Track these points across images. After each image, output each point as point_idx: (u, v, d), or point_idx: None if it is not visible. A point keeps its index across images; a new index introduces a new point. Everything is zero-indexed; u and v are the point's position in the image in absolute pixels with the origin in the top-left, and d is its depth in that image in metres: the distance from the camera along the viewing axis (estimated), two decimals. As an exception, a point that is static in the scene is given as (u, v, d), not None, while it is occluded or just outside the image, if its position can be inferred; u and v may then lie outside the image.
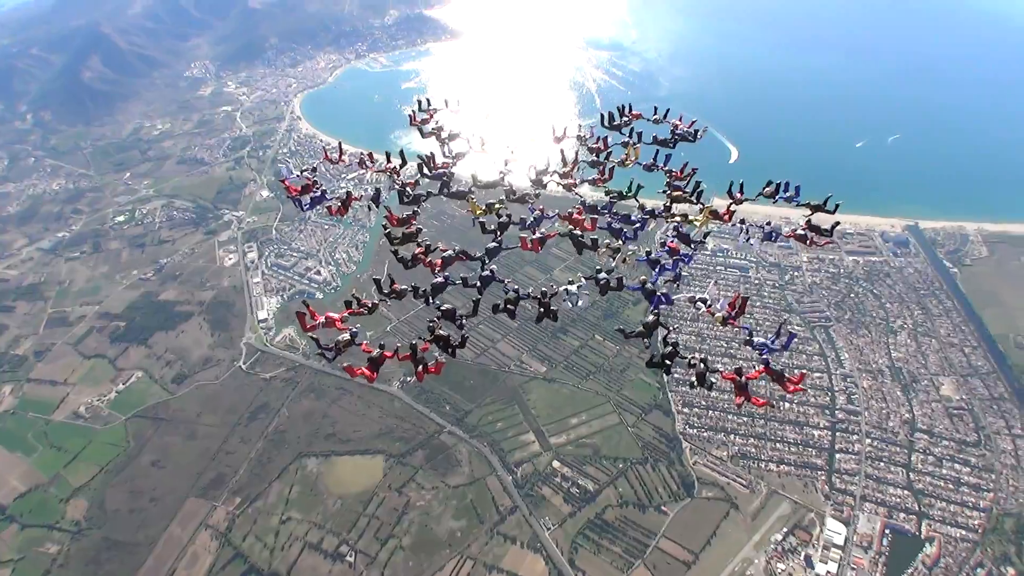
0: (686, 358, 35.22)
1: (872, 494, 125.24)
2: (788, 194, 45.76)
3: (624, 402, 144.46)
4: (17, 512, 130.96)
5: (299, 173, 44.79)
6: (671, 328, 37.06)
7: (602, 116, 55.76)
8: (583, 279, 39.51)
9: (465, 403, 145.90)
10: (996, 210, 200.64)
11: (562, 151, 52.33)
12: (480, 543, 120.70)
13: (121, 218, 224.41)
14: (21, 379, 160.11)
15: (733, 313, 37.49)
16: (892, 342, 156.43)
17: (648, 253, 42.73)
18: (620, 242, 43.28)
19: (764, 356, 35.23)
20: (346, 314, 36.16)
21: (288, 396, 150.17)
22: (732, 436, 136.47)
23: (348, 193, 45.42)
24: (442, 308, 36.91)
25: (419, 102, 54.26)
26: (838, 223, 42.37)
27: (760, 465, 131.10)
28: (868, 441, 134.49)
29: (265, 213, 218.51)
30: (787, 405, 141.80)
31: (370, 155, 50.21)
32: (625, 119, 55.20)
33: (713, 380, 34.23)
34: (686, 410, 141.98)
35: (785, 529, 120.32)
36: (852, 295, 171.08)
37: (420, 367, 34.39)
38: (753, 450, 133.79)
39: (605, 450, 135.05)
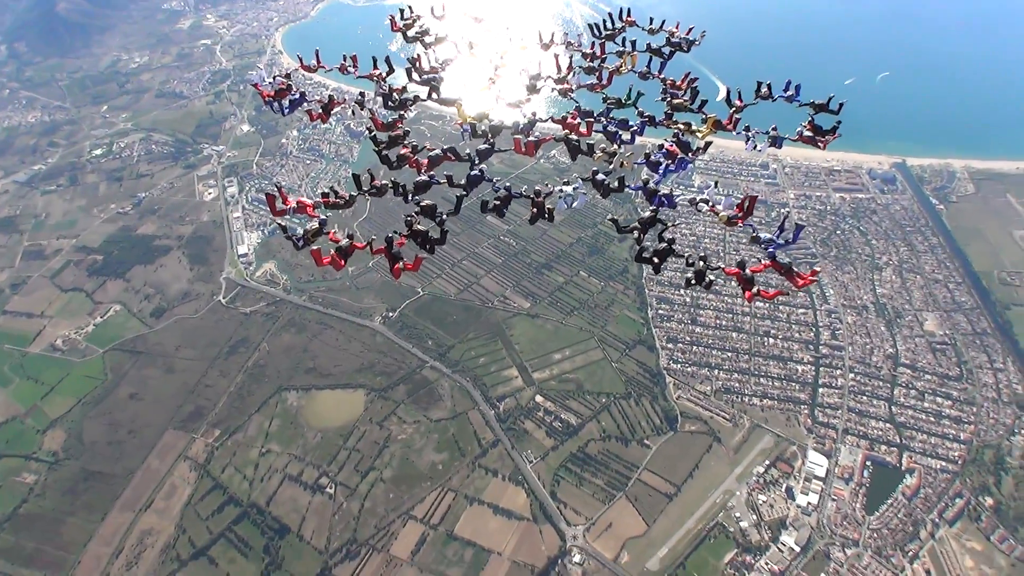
0: (683, 256, 33.01)
1: (854, 427, 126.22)
2: (789, 93, 43.87)
3: (608, 338, 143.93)
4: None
5: (272, 79, 42.05)
6: (669, 224, 34.35)
7: (592, 27, 53.26)
8: (580, 179, 37.00)
9: (448, 338, 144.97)
10: (983, 148, 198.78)
11: (556, 56, 50.11)
12: (461, 476, 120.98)
13: (98, 151, 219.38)
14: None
15: (740, 213, 35.21)
16: (877, 278, 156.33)
17: (647, 155, 40.02)
18: (616, 146, 40.75)
19: (771, 251, 32.47)
20: (320, 202, 33.43)
21: (268, 331, 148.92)
22: (716, 371, 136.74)
23: (330, 97, 42.94)
24: (421, 204, 33.96)
25: (401, 10, 51.54)
26: (840, 122, 39.99)
27: (743, 399, 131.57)
28: (851, 375, 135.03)
29: (246, 147, 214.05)
30: (771, 340, 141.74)
31: (354, 58, 46.93)
32: (619, 26, 52.70)
33: (712, 278, 31.96)
34: (670, 345, 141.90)
35: (767, 462, 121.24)
36: (838, 232, 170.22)
37: (396, 263, 31.46)
38: (737, 385, 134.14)
39: (588, 385, 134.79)
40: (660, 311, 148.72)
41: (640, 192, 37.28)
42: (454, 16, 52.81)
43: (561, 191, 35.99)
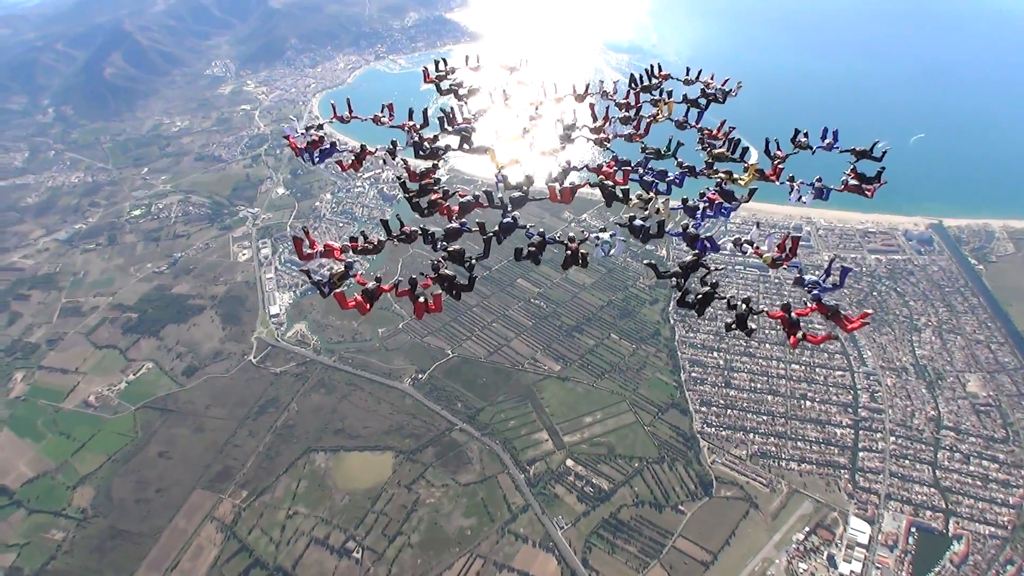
0: (724, 298, 32.10)
1: (897, 492, 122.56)
2: (827, 141, 43.48)
3: (640, 401, 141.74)
4: (24, 497, 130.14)
5: (305, 131, 42.18)
6: (711, 268, 33.56)
7: (632, 76, 53.54)
8: (616, 225, 36.28)
9: (477, 401, 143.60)
10: (1021, 207, 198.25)
11: (592, 106, 50.18)
12: (491, 542, 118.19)
13: (137, 212, 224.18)
14: (33, 366, 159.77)
15: (784, 254, 34.51)
16: (916, 339, 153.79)
17: (684, 201, 39.72)
18: (653, 194, 39.93)
19: (816, 293, 31.51)
20: (348, 246, 32.91)
21: (298, 391, 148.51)
22: (751, 435, 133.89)
23: (362, 146, 42.45)
24: (449, 249, 33.37)
25: (436, 62, 51.83)
26: (884, 168, 39.20)
27: (780, 464, 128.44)
28: (892, 439, 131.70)
29: (280, 210, 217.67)
30: (808, 403, 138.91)
31: (390, 107, 46.78)
32: (655, 80, 52.96)
33: (753, 326, 31.33)
34: (704, 409, 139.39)
35: (807, 528, 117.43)
36: (875, 293, 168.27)
37: (419, 301, 30.78)
38: (773, 449, 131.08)
39: (620, 449, 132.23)
40: (693, 374, 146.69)
41: (680, 237, 36.16)
42: (488, 67, 52.88)
43: (597, 237, 35.13)
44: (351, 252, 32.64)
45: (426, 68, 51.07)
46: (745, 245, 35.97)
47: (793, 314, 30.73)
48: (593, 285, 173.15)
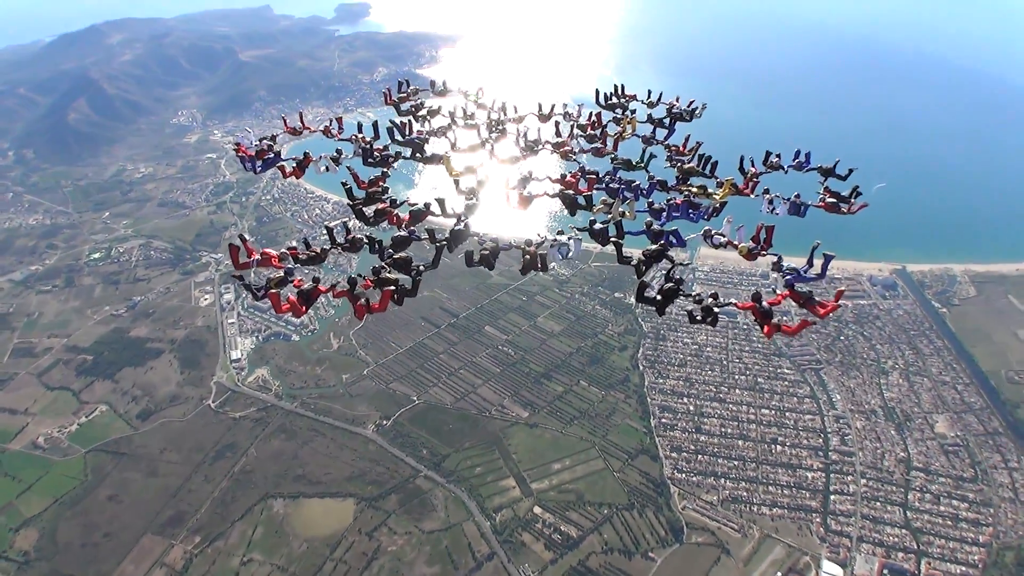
0: (690, 295, 30.08)
1: (869, 534, 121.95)
2: (798, 160, 43.76)
3: (610, 447, 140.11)
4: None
5: (258, 142, 41.51)
6: (677, 262, 32.31)
7: (597, 93, 54.11)
8: (575, 229, 34.99)
9: (443, 447, 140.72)
10: (981, 252, 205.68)
11: (556, 123, 50.36)
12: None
13: (97, 255, 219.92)
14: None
15: (759, 245, 33.68)
16: (884, 382, 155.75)
17: (650, 204, 38.91)
18: (618, 199, 38.89)
19: (789, 279, 30.05)
20: (287, 254, 31.09)
21: (257, 436, 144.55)
22: (722, 480, 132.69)
23: (305, 153, 42.10)
24: (395, 256, 31.34)
25: (399, 83, 52.44)
26: (857, 187, 38.92)
27: (752, 509, 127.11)
28: (863, 481, 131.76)
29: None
30: (779, 448, 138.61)
31: (339, 120, 47.28)
32: (620, 100, 53.40)
33: (717, 311, 28.98)
34: (674, 454, 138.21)
35: (779, 573, 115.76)
36: (842, 337, 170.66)
37: (361, 301, 28.86)
38: (744, 494, 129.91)
39: (589, 496, 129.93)
40: (663, 420, 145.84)
41: (645, 235, 34.84)
42: (455, 92, 53.56)
43: (555, 240, 34.01)
44: (291, 260, 30.97)
45: (388, 90, 51.64)
46: (716, 237, 34.87)
47: (764, 303, 29.22)
48: (562, 332, 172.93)
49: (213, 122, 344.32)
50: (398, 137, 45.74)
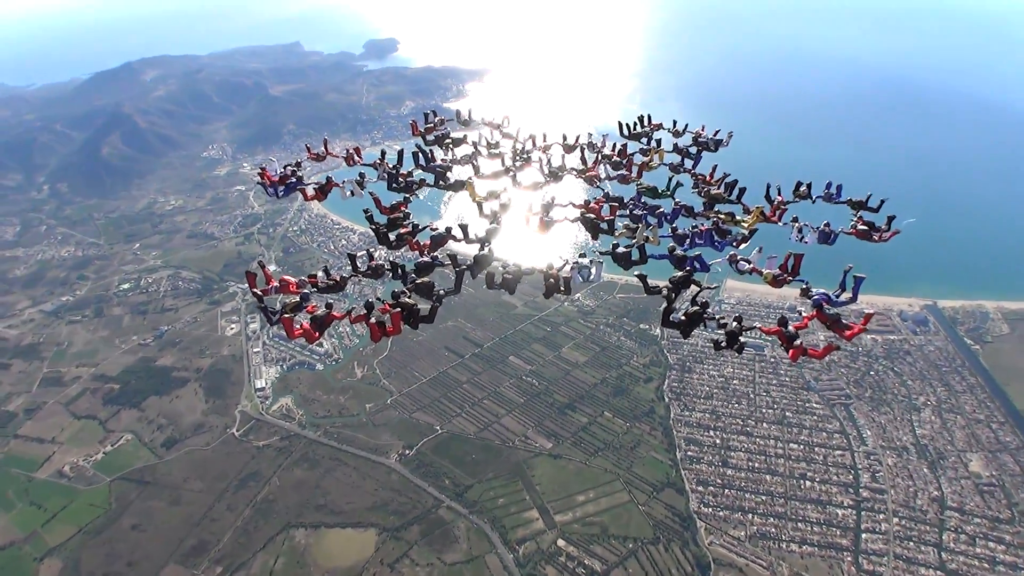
0: (715, 318, 30.08)
1: (902, 575, 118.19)
2: (828, 192, 43.02)
3: (635, 479, 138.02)
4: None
5: (283, 168, 41.81)
6: (703, 286, 31.71)
7: (620, 125, 53.70)
8: (598, 253, 34.78)
9: (466, 478, 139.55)
10: (1015, 289, 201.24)
11: (582, 149, 49.97)
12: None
13: (126, 286, 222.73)
14: (8, 435, 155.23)
15: (786, 273, 32.92)
16: (916, 419, 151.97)
17: (674, 229, 38.32)
18: (641, 224, 38.31)
19: (817, 299, 29.65)
20: (305, 281, 30.90)
21: (280, 465, 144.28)
22: (750, 515, 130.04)
23: (328, 178, 42.24)
24: (417, 281, 31.25)
25: (425, 115, 52.36)
26: (894, 216, 37.95)
27: (781, 545, 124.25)
28: (896, 520, 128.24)
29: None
30: (808, 483, 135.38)
31: (356, 150, 47.18)
32: (645, 129, 52.93)
33: (744, 340, 29.03)
34: (700, 488, 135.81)
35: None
36: (872, 372, 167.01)
37: (372, 320, 28.69)
38: (773, 530, 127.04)
39: (614, 529, 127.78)
40: (689, 452, 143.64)
41: (667, 260, 34.84)
42: (479, 123, 53.18)
43: (577, 263, 33.58)
44: (309, 288, 30.67)
45: (415, 121, 51.72)
46: (742, 263, 34.17)
47: (790, 327, 28.71)
48: (586, 363, 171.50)
49: (243, 155, 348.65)
50: (423, 163, 45.60)
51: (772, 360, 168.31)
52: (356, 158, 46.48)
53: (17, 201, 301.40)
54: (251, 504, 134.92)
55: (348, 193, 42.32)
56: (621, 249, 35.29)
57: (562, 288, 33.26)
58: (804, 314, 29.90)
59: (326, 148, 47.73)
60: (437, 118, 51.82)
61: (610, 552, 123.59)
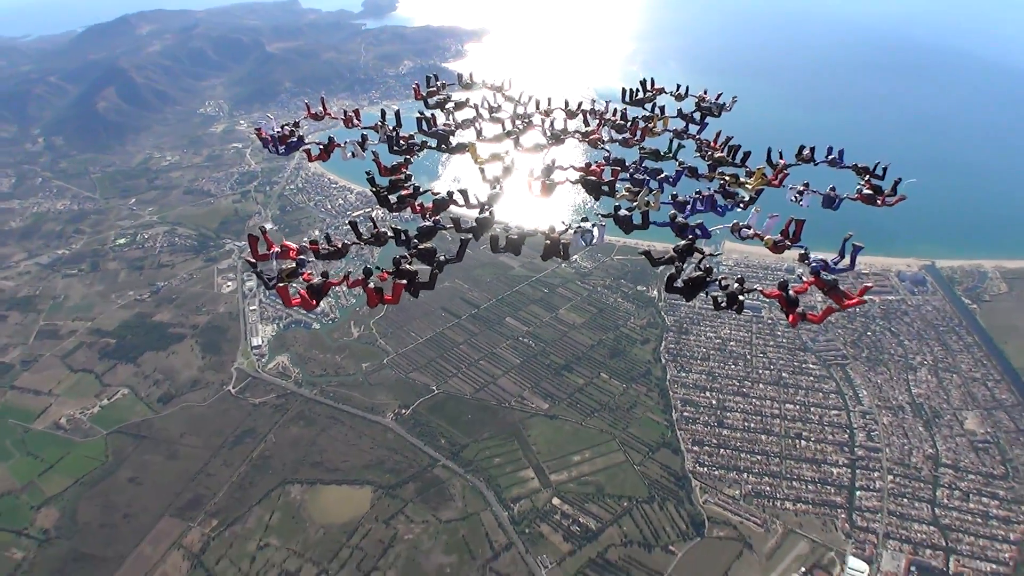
0: (717, 280, 29.49)
1: (896, 531, 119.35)
2: (831, 157, 42.82)
3: (630, 440, 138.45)
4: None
5: (280, 127, 41.50)
6: (706, 253, 31.46)
7: (624, 91, 53.24)
8: (600, 215, 34.45)
9: (462, 437, 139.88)
10: (1013, 249, 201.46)
11: (585, 113, 49.83)
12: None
13: (122, 241, 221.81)
14: (4, 386, 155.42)
15: (787, 239, 32.72)
16: (912, 378, 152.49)
17: (674, 197, 38.33)
18: (644, 188, 38.25)
19: (815, 266, 29.34)
20: (307, 247, 30.34)
21: (276, 422, 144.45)
22: (745, 475, 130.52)
23: (330, 138, 41.82)
24: (420, 247, 30.67)
25: (427, 78, 52.14)
26: (899, 179, 37.83)
27: (775, 504, 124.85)
28: (890, 477, 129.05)
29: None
30: (803, 443, 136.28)
31: (356, 112, 46.86)
32: (648, 94, 52.41)
33: (743, 298, 28.69)
34: (696, 448, 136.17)
35: (803, 568, 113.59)
36: (868, 333, 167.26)
37: (371, 286, 27.90)
38: (768, 488, 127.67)
39: (609, 488, 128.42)
40: (685, 413, 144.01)
41: (669, 227, 34.78)
42: (481, 86, 53.60)
43: (579, 227, 33.39)
44: (311, 255, 30.37)
45: (417, 85, 51.59)
46: (743, 230, 34.17)
47: (791, 291, 28.52)
48: (583, 324, 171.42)
49: (239, 112, 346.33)
50: (425, 128, 45.24)
51: (769, 321, 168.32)
52: (355, 120, 46.37)
53: (12, 153, 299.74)
54: (247, 460, 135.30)
55: (349, 154, 42.01)
56: (623, 212, 35.18)
57: (561, 252, 33.06)
58: (804, 279, 29.59)
59: (324, 108, 47.73)
60: (439, 82, 51.72)
61: (605, 510, 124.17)
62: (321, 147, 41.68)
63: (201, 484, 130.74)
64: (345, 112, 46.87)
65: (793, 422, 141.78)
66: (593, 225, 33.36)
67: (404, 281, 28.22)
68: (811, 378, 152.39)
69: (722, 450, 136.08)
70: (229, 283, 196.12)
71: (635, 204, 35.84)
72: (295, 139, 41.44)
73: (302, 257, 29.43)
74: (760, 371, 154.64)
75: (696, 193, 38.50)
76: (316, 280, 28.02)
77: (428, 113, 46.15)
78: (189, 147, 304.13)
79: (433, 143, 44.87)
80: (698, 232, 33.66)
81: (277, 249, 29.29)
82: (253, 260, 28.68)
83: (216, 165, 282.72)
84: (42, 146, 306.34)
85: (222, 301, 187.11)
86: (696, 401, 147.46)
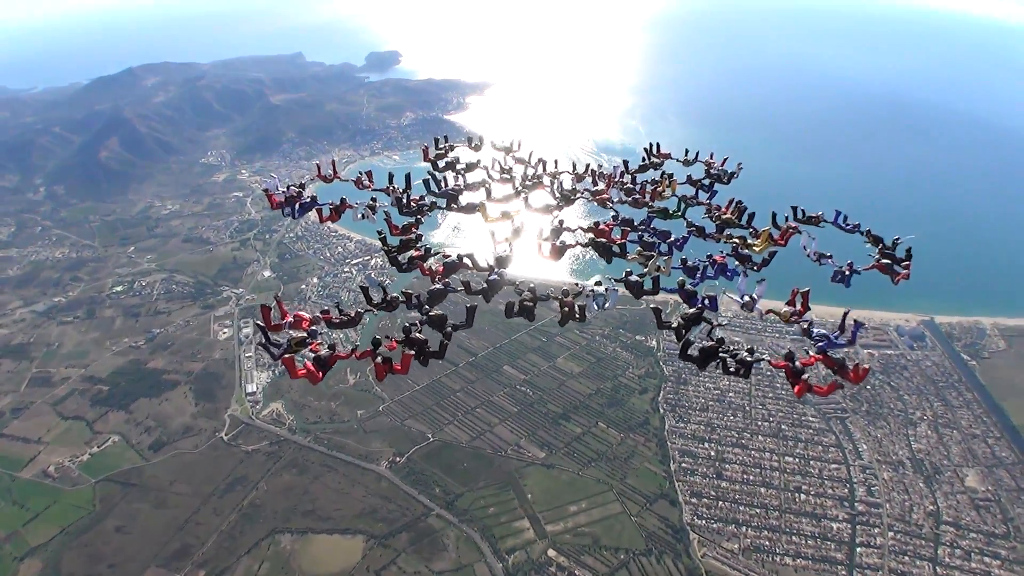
0: (730, 351, 30.12)
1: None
2: (844, 224, 42.86)
3: (628, 490, 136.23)
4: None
5: (287, 188, 41.21)
6: (714, 323, 31.98)
7: (626, 165, 52.74)
8: (612, 280, 34.68)
9: (457, 486, 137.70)
10: (1011, 306, 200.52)
11: (594, 174, 49.94)
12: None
13: (119, 288, 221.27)
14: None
15: (797, 309, 33.02)
16: (912, 434, 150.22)
17: (684, 261, 38.40)
18: (655, 253, 38.31)
19: (821, 345, 29.95)
20: (320, 318, 30.38)
21: (268, 470, 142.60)
22: (744, 528, 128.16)
23: (343, 199, 41.98)
24: (430, 314, 31.01)
25: (436, 140, 52.00)
26: (910, 249, 38.16)
27: (775, 559, 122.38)
28: (891, 534, 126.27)
29: (265, 291, 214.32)
30: (803, 496, 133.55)
31: (368, 174, 46.68)
32: (655, 160, 52.58)
33: (751, 359, 29.38)
34: (694, 500, 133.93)
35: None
36: (868, 387, 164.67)
37: (378, 360, 27.93)
38: (767, 543, 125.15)
39: (606, 540, 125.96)
40: (683, 464, 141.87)
41: (677, 295, 35.20)
42: (488, 147, 53.10)
43: (592, 291, 33.80)
44: (323, 325, 30.25)
45: (426, 147, 51.29)
46: (753, 306, 33.87)
47: (797, 363, 29.04)
48: (581, 373, 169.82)
49: (241, 162, 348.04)
50: (434, 189, 45.27)
51: (768, 373, 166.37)
52: (367, 182, 46.11)
53: (13, 202, 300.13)
54: (237, 509, 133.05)
55: (360, 216, 42.16)
56: (634, 278, 35.15)
57: (577, 316, 33.70)
58: (811, 354, 30.08)
59: (335, 170, 47.65)
60: (447, 143, 51.64)
61: (601, 563, 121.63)
62: (332, 208, 41.86)
63: (189, 533, 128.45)
64: (359, 174, 46.66)
65: (792, 475, 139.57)
66: (606, 289, 33.82)
67: (413, 352, 28.34)
68: (810, 431, 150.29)
69: (720, 502, 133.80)
70: (225, 330, 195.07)
71: (646, 270, 35.74)
72: (308, 200, 41.16)
73: (314, 328, 29.27)
74: (759, 423, 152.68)
75: (708, 257, 38.58)
76: (323, 352, 27.83)
77: (439, 176, 46.28)
78: (190, 196, 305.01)
79: (442, 203, 44.74)
80: (706, 303, 33.71)
81: (291, 319, 29.44)
82: (264, 329, 28.32)
83: (216, 213, 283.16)
84: (43, 195, 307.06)
85: (218, 348, 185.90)
86: (695, 452, 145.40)
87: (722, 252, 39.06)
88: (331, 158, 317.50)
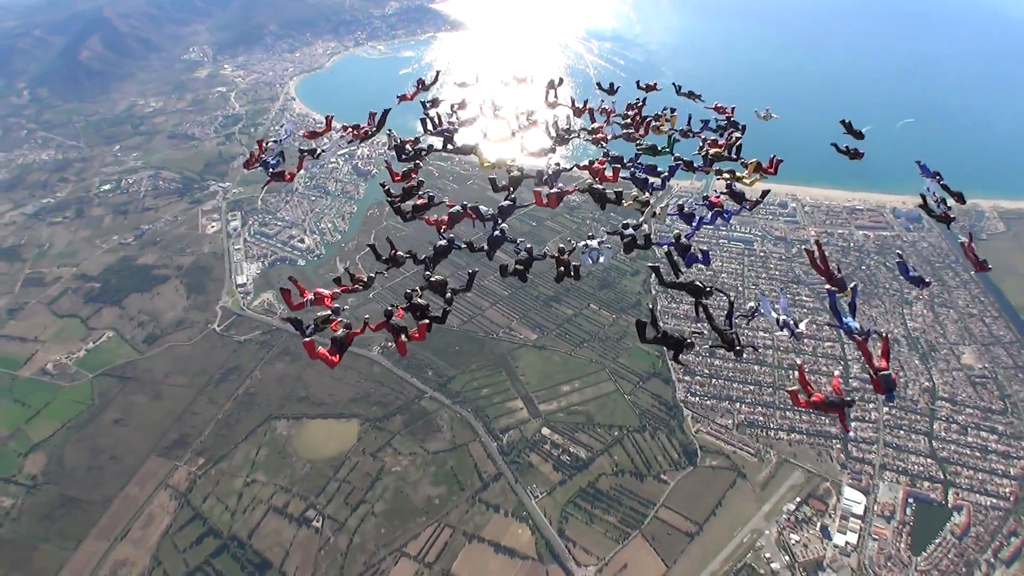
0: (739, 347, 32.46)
1: (892, 463, 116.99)
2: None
3: (620, 370, 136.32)
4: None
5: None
6: (694, 342, 35.52)
7: (599, 84, 55.54)
8: (605, 234, 36.86)
9: (449, 369, 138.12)
10: (1011, 189, 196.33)
11: (591, 110, 50.86)
12: (460, 511, 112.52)
13: (107, 187, 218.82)
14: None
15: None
16: (907, 312, 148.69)
17: (681, 207, 39.45)
18: (647, 194, 39.95)
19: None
20: (338, 291, 32.74)
21: (262, 359, 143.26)
22: (738, 404, 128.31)
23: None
24: (431, 279, 33.75)
25: (419, 81, 52.26)
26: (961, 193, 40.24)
27: (769, 433, 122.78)
28: (886, 409, 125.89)
29: (252, 184, 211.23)
30: (796, 374, 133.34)
31: (356, 126, 47.15)
32: (641, 90, 54.35)
33: (739, 347, 32.24)
34: (687, 378, 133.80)
35: (798, 499, 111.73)
36: (863, 267, 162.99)
37: (400, 335, 30.05)
38: (761, 418, 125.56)
39: (599, 418, 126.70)
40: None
41: (672, 248, 36.01)
42: (486, 84, 54.51)
43: (585, 246, 35.44)
44: (344, 300, 32.81)
45: (408, 95, 52.26)
46: (788, 327, 35.11)
47: (829, 393, 29.77)
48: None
49: (224, 56, 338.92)
50: (431, 128, 46.43)
51: (761, 254, 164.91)
52: (365, 125, 47.11)
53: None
54: (232, 397, 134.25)
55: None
56: (628, 232, 36.47)
57: (571, 274, 36.28)
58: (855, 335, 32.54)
59: (328, 125, 48.32)
60: (436, 78, 52.85)
61: (595, 440, 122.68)
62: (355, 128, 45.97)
63: (187, 423, 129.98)
64: (345, 128, 47.55)
65: (786, 353, 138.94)
66: (599, 243, 36.01)
67: (427, 321, 31.13)
68: (804, 310, 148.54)
69: (714, 380, 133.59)
70: (214, 224, 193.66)
71: (642, 219, 37.06)
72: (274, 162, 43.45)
73: (336, 305, 32.00)
74: (752, 303, 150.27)
75: (704, 199, 39.91)
76: (340, 332, 30.06)
77: (431, 113, 47.39)
78: (173, 92, 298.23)
79: (439, 144, 46.06)
80: (699, 258, 36.14)
81: (311, 296, 32.31)
82: (296, 320, 31.01)
83: (200, 109, 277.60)
84: (27, 98, 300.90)
85: (207, 242, 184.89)
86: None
87: (716, 192, 40.13)
88: (315, 49, 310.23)
